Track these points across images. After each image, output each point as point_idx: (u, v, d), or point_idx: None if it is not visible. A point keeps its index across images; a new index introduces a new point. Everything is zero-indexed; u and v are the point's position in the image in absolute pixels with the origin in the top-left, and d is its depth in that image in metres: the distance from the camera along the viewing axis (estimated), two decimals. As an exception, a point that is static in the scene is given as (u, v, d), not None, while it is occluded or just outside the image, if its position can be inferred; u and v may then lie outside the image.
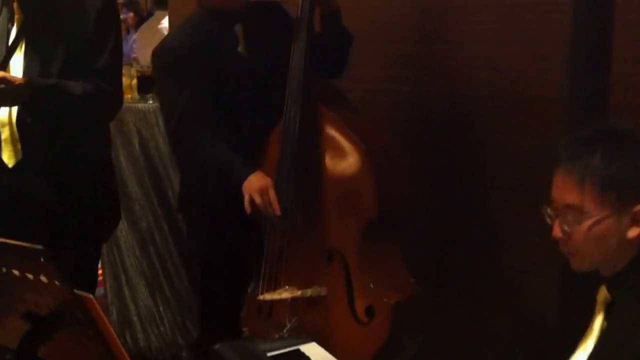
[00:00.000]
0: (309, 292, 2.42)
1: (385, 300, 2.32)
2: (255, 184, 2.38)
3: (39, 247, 1.30)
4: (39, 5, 2.34)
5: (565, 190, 1.52)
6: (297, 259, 2.48)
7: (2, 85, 2.18)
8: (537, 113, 2.55)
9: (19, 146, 2.32)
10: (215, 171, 2.48)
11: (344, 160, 2.36)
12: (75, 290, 1.30)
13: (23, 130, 2.31)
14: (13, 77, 2.23)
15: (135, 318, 3.40)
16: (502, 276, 2.72)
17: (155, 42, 6.10)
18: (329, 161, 2.38)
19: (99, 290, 3.30)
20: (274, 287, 2.46)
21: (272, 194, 2.37)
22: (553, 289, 2.45)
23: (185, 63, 2.46)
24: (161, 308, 3.37)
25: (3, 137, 2.33)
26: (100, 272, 3.42)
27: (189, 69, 2.46)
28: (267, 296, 2.45)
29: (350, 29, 2.58)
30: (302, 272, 2.46)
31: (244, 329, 2.56)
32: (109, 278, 3.50)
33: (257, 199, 2.37)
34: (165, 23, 5.65)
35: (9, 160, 2.33)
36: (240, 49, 2.51)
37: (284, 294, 2.44)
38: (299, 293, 2.42)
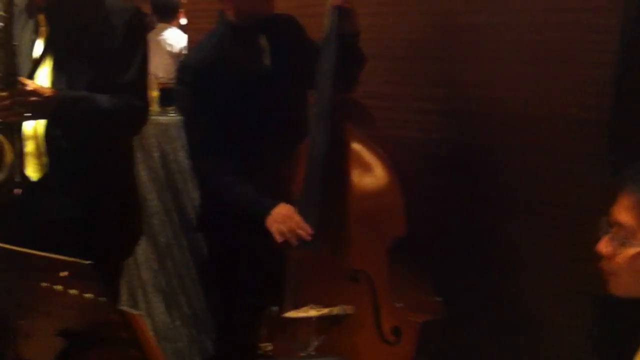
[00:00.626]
0: (335, 310, 2.40)
1: (411, 319, 2.31)
2: (279, 216, 2.39)
3: (87, 262, 1.28)
4: (65, 18, 2.32)
5: (622, 209, 1.52)
6: (322, 277, 2.46)
7: (34, 98, 2.16)
8: (566, 134, 2.53)
9: (44, 160, 2.30)
10: (232, 204, 2.47)
11: (371, 176, 2.36)
12: (122, 308, 1.27)
13: (50, 143, 2.29)
14: (43, 88, 2.21)
15: (151, 333, 3.35)
16: (527, 301, 2.70)
17: (156, 54, 6.15)
18: (355, 178, 2.38)
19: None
20: (298, 305, 2.43)
21: (297, 220, 2.37)
22: (579, 314, 2.43)
23: (207, 79, 2.47)
24: (178, 324, 3.34)
25: (28, 150, 2.30)
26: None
27: (210, 85, 2.46)
28: (292, 314, 2.42)
29: (374, 47, 2.58)
30: (328, 291, 2.45)
31: (268, 347, 2.53)
32: (125, 293, 3.44)
33: (283, 228, 2.38)
34: (165, 35, 5.69)
35: (33, 174, 2.31)
36: (266, 60, 2.51)
37: (310, 312, 2.41)
38: (325, 311, 2.40)
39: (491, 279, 2.74)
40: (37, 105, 2.18)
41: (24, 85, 2.17)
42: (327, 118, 2.37)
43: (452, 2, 2.78)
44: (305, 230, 2.36)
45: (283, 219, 2.38)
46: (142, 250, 3.36)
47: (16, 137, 2.21)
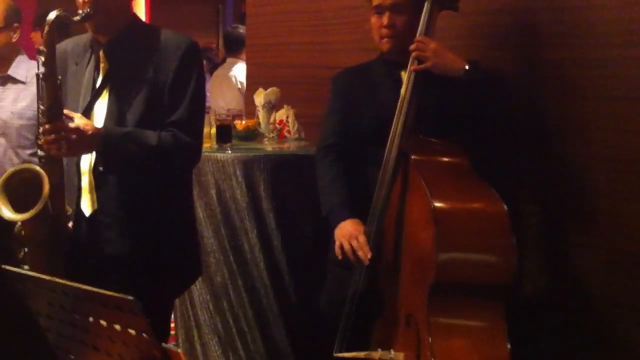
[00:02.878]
0: (388, 355, 2.36)
1: None
2: (345, 230, 2.46)
3: (130, 298, 1.25)
4: (123, 54, 2.37)
5: None
6: (384, 318, 2.44)
7: (74, 136, 2.20)
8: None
9: (95, 195, 2.34)
10: (321, 206, 2.65)
11: (417, 216, 2.33)
12: (164, 345, 1.24)
13: (98, 178, 2.32)
14: (86, 126, 2.25)
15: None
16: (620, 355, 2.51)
17: (225, 89, 6.15)
18: (410, 219, 2.37)
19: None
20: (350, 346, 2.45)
21: (361, 240, 2.41)
22: None
23: (341, 93, 2.75)
24: (233, 367, 3.23)
25: (83, 185, 2.35)
26: (172, 325, 3.34)
27: (342, 98, 2.74)
28: (346, 354, 2.44)
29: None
30: (387, 332, 2.41)
31: None
32: (181, 333, 3.40)
33: (346, 245, 2.43)
34: (235, 70, 5.69)
35: (86, 208, 2.35)
36: (402, 91, 2.52)
37: (354, 354, 2.40)
38: (375, 356, 2.37)
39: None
40: (79, 142, 2.22)
41: (70, 120, 2.22)
42: (394, 159, 2.43)
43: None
44: (364, 252, 2.38)
45: (349, 235, 2.44)
46: (198, 290, 3.28)
47: (56, 170, 2.26)
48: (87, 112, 2.34)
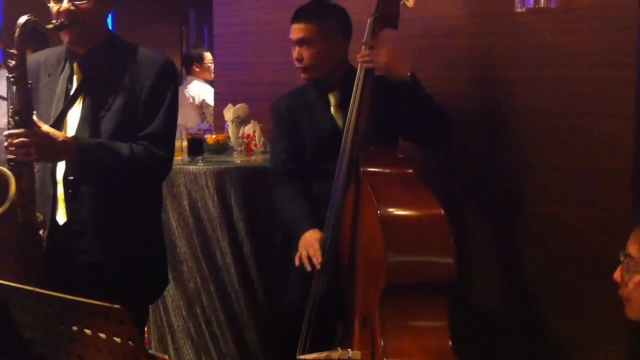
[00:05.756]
0: (346, 354, 2.45)
1: None
2: (304, 240, 2.59)
3: (117, 306, 1.31)
4: (99, 66, 2.38)
5: (632, 242, 1.74)
6: (347, 320, 2.53)
7: (45, 142, 2.21)
8: (595, 185, 2.59)
9: (68, 204, 2.35)
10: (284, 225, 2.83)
11: (369, 224, 2.44)
12: (151, 352, 1.31)
13: (71, 188, 2.34)
14: (56, 133, 2.24)
15: (179, 378, 3.38)
16: (559, 349, 2.70)
17: (182, 105, 6.34)
18: (363, 226, 2.49)
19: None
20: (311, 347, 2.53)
21: (315, 247, 2.54)
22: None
23: (282, 119, 2.85)
24: (206, 370, 3.35)
25: (58, 194, 2.36)
26: (145, 331, 3.44)
27: (284, 124, 2.84)
28: (307, 356, 2.52)
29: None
30: (349, 334, 2.51)
31: None
32: (155, 338, 3.48)
33: (302, 253, 2.55)
34: (190, 87, 5.89)
35: (60, 217, 2.37)
36: (332, 112, 2.76)
37: (315, 355, 2.48)
38: (335, 356, 2.46)
39: (526, 330, 2.77)
40: (48, 148, 2.22)
41: (39, 127, 2.22)
42: (346, 166, 2.54)
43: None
44: (316, 257, 2.52)
45: (306, 244, 2.57)
46: (171, 296, 3.39)
47: (26, 175, 2.25)
48: (60, 120, 2.34)
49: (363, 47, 2.57)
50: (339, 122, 2.73)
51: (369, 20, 2.57)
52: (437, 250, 2.40)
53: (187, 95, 5.92)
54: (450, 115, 2.70)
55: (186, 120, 5.19)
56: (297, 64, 2.75)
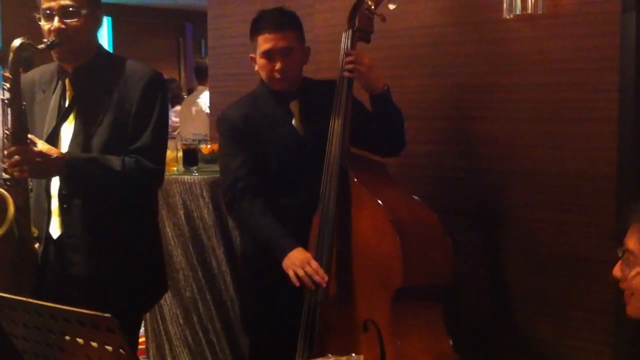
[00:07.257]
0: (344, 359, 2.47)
1: None
2: (295, 259, 2.51)
3: (107, 315, 1.35)
4: (89, 82, 2.43)
5: (630, 236, 1.72)
6: (335, 328, 2.55)
7: (39, 159, 2.26)
8: (579, 189, 2.62)
9: (62, 218, 2.38)
10: (260, 242, 2.65)
11: (371, 228, 2.45)
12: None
13: (65, 202, 2.38)
14: (50, 150, 2.29)
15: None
16: (544, 352, 2.74)
17: (194, 114, 6.39)
18: (359, 231, 2.49)
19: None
20: (311, 355, 2.51)
21: (314, 265, 2.49)
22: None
23: (239, 131, 2.67)
24: (204, 377, 3.39)
25: (53, 208, 2.40)
26: (143, 340, 3.48)
27: (242, 137, 2.66)
28: None
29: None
30: (340, 341, 2.52)
31: None
32: (152, 347, 3.52)
33: (300, 272, 2.49)
34: (202, 97, 5.92)
35: (55, 231, 2.41)
36: (294, 123, 2.68)
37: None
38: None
39: (517, 333, 2.80)
40: (43, 165, 2.27)
41: (34, 144, 2.28)
42: (336, 178, 2.52)
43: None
44: (321, 276, 2.47)
45: (301, 263, 2.50)
46: (168, 305, 3.43)
47: (21, 193, 2.30)
48: (54, 136, 2.38)
49: (343, 57, 2.57)
50: (302, 133, 2.68)
51: (347, 32, 2.59)
52: (441, 252, 2.46)
53: (199, 105, 5.98)
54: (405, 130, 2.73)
55: (198, 129, 5.25)
56: (277, 75, 2.62)
